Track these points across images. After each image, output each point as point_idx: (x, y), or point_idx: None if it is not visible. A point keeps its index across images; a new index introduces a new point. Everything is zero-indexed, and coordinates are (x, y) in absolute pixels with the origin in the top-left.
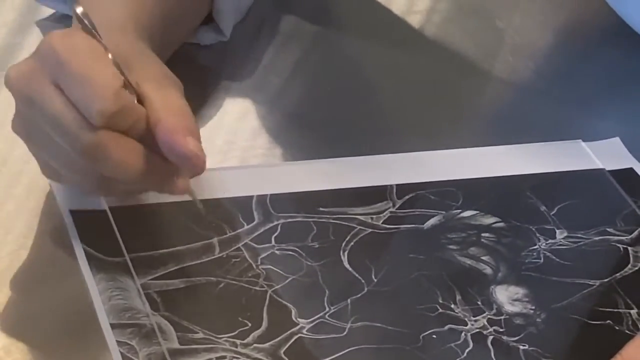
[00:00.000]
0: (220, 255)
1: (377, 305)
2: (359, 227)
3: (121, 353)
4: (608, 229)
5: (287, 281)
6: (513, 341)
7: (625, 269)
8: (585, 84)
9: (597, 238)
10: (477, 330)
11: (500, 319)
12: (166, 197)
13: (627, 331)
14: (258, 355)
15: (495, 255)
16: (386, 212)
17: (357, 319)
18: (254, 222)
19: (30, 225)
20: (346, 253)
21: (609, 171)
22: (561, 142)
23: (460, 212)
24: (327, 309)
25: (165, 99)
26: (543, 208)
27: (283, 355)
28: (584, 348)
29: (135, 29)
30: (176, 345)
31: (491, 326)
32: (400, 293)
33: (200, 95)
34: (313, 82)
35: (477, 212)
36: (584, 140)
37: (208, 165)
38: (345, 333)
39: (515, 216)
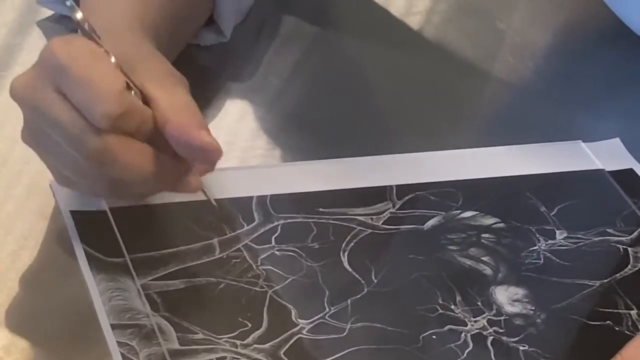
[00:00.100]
0: (220, 255)
1: (377, 306)
2: (359, 227)
3: (121, 354)
4: (608, 230)
5: (287, 282)
6: (513, 342)
7: (625, 270)
8: (585, 84)
9: (597, 239)
10: (477, 330)
11: (500, 320)
12: (166, 198)
13: (626, 332)
14: (258, 356)
15: (495, 255)
16: (386, 212)
17: (357, 320)
18: (254, 223)
19: (30, 226)
20: (346, 254)
21: (608, 172)
22: (561, 143)
23: (460, 213)
24: (327, 310)
25: (171, 97)
26: (543, 209)
27: (283, 356)
28: (583, 348)
29: (142, 28)
30: (176, 345)
31: (491, 327)
32: (400, 294)
33: (200, 96)
34: (313, 83)
35: (477, 212)
36: (583, 141)
37: None
38: (345, 334)
39: (515, 217)
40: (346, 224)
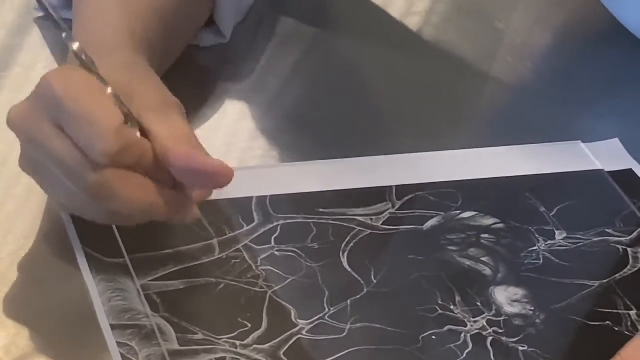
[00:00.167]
0: (220, 256)
1: (376, 306)
2: (359, 228)
3: (121, 354)
4: (607, 230)
5: (286, 282)
6: (512, 342)
7: (625, 270)
8: (584, 84)
9: (596, 239)
10: (477, 331)
11: (500, 320)
12: None
13: (626, 332)
14: (258, 356)
15: (494, 256)
16: (386, 213)
17: (357, 320)
18: (254, 223)
19: (30, 226)
20: (346, 254)
21: (608, 172)
22: (560, 143)
23: (460, 213)
24: (327, 310)
25: (169, 127)
26: (542, 209)
27: (283, 356)
28: (583, 349)
29: (133, 42)
30: (176, 346)
31: (490, 327)
32: (399, 294)
33: (199, 96)
34: (312, 84)
35: (477, 213)
36: (583, 141)
37: None
38: (344, 334)
39: (514, 217)
40: (346, 224)
